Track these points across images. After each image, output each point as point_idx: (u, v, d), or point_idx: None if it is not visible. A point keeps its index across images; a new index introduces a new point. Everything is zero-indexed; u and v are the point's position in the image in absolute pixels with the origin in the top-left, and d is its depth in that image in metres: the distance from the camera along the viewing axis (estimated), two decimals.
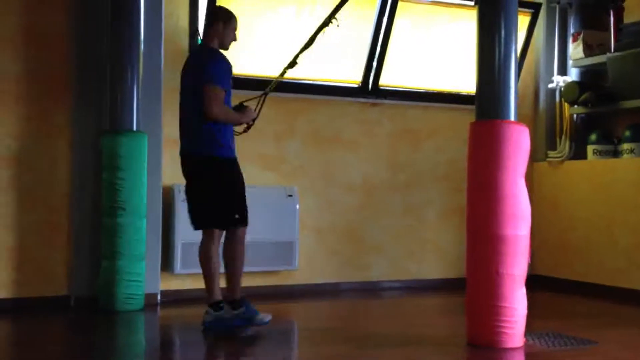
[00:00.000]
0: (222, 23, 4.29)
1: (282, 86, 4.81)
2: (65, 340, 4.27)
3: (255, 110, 4.42)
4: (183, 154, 4.29)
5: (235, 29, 4.35)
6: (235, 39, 4.37)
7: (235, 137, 4.35)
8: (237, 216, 4.21)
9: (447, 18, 6.18)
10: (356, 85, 5.98)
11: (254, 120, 4.43)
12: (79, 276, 5.01)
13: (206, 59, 4.22)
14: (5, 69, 4.94)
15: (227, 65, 4.24)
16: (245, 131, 4.51)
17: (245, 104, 4.41)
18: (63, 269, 5.03)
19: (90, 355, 3.79)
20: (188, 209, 4.29)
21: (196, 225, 4.27)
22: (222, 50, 4.31)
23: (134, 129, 4.94)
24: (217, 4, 5.27)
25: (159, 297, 5.14)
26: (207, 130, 4.15)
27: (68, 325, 4.64)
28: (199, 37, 5.42)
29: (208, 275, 4.23)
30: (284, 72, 4.56)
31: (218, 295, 4.23)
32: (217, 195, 4.19)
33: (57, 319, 4.70)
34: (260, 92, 4.52)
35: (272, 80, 4.59)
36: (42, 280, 4.98)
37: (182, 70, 4.38)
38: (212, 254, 4.22)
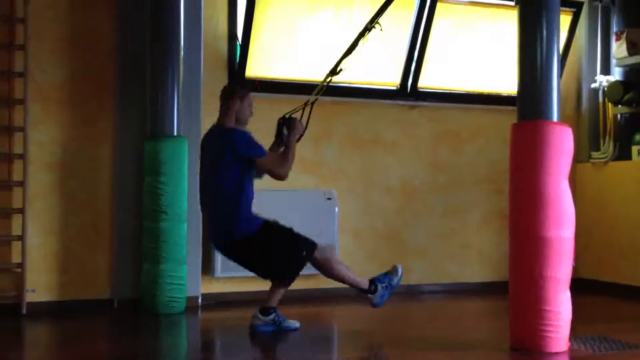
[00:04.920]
0: (239, 100, 4.25)
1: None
2: (109, 342, 4.33)
3: (301, 120, 4.38)
4: (217, 244, 4.30)
5: (251, 103, 4.31)
6: (252, 113, 4.33)
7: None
8: (304, 253, 4.19)
9: (486, 18, 6.12)
10: (395, 88, 5.95)
11: (304, 131, 4.39)
12: (121, 279, 5.08)
13: (233, 139, 4.15)
14: (50, 75, 5.04)
15: (251, 136, 4.22)
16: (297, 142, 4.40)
17: (293, 115, 4.36)
18: (106, 272, 5.10)
19: (135, 358, 3.83)
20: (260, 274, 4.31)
21: (281, 277, 4.27)
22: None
23: (175, 134, 4.99)
24: (256, 10, 5.30)
25: (200, 300, 5.19)
26: (229, 213, 4.15)
27: (112, 328, 4.71)
28: (238, 42, 5.48)
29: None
30: (327, 80, 4.48)
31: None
32: (276, 254, 4.20)
33: (101, 321, 4.77)
34: (306, 100, 4.46)
35: (315, 88, 4.52)
36: (86, 283, 5.06)
37: (201, 151, 4.37)
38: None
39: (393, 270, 4.43)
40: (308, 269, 5.33)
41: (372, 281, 4.35)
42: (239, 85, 4.39)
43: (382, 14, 4.47)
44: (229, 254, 4.31)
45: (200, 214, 5.17)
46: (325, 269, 4.26)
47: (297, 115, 4.41)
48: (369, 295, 4.35)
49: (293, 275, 4.24)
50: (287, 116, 4.39)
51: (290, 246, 4.21)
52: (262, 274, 4.29)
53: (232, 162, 4.15)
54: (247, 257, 4.25)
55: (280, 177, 4.23)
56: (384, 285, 4.35)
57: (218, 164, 4.18)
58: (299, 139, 4.38)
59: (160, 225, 4.87)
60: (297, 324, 4.32)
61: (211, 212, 4.29)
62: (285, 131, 4.35)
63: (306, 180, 5.68)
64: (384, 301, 4.37)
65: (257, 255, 4.22)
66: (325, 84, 4.49)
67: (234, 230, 4.18)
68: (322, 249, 4.26)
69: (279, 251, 4.21)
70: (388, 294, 4.38)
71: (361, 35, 4.45)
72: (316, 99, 4.48)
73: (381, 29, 4.46)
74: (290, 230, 4.28)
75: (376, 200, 5.93)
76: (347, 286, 4.39)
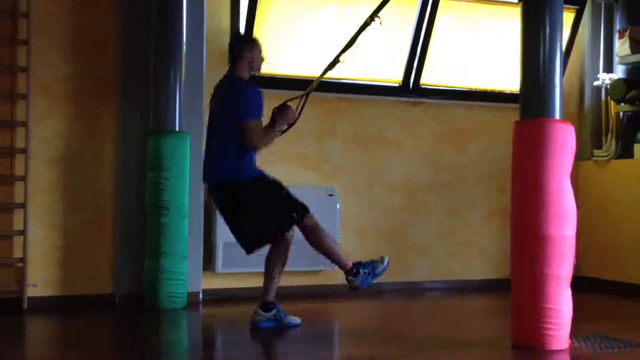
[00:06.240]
0: (250, 50, 4.24)
1: (323, 86, 4.79)
2: (111, 338, 4.34)
3: (297, 110, 4.37)
4: (210, 185, 4.28)
5: (262, 50, 4.32)
6: (265, 60, 4.33)
7: (277, 138, 4.31)
8: (294, 215, 4.13)
9: (489, 15, 6.11)
10: (397, 85, 5.95)
11: (295, 120, 4.38)
12: (123, 275, 5.09)
13: (240, 91, 4.15)
14: (53, 71, 5.04)
15: (260, 96, 4.19)
16: (285, 131, 4.39)
17: (288, 103, 4.37)
18: (108, 268, 5.11)
19: (136, 353, 3.84)
20: (236, 238, 4.26)
21: (253, 246, 4.24)
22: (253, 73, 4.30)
23: (177, 129, 5.00)
24: (259, 6, 5.30)
25: (201, 296, 5.19)
26: (232, 161, 4.12)
27: (114, 323, 4.71)
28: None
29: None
30: (325, 72, 4.48)
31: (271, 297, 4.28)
32: (265, 208, 4.14)
33: (103, 317, 4.77)
34: (302, 92, 4.47)
35: (314, 80, 4.56)
36: (88, 278, 5.07)
37: (211, 100, 4.33)
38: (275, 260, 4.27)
39: (380, 260, 4.38)
40: (310, 265, 5.37)
41: (356, 265, 4.31)
42: (250, 36, 4.30)
43: (382, 7, 4.46)
44: (218, 194, 4.21)
45: (202, 210, 5.21)
46: (314, 237, 4.18)
47: (293, 104, 4.38)
48: (350, 277, 4.29)
49: (274, 235, 4.15)
50: (286, 103, 4.36)
51: (281, 204, 4.12)
52: (244, 234, 4.19)
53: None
54: (234, 206, 4.16)
55: (254, 146, 4.14)
56: (366, 271, 4.30)
57: (226, 119, 4.12)
58: (289, 127, 4.36)
59: (162, 221, 4.87)
60: (298, 320, 4.32)
61: (213, 153, 4.21)
62: (277, 118, 4.33)
63: (309, 177, 5.68)
64: (364, 286, 4.31)
65: (245, 207, 4.13)
66: (322, 75, 4.49)
67: (230, 171, 4.10)
68: (313, 216, 4.17)
69: (267, 206, 4.12)
70: (369, 281, 4.32)
71: (361, 28, 4.44)
72: (311, 90, 4.47)
73: (381, 23, 4.45)
74: (286, 190, 4.20)
75: (378, 197, 5.93)
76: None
